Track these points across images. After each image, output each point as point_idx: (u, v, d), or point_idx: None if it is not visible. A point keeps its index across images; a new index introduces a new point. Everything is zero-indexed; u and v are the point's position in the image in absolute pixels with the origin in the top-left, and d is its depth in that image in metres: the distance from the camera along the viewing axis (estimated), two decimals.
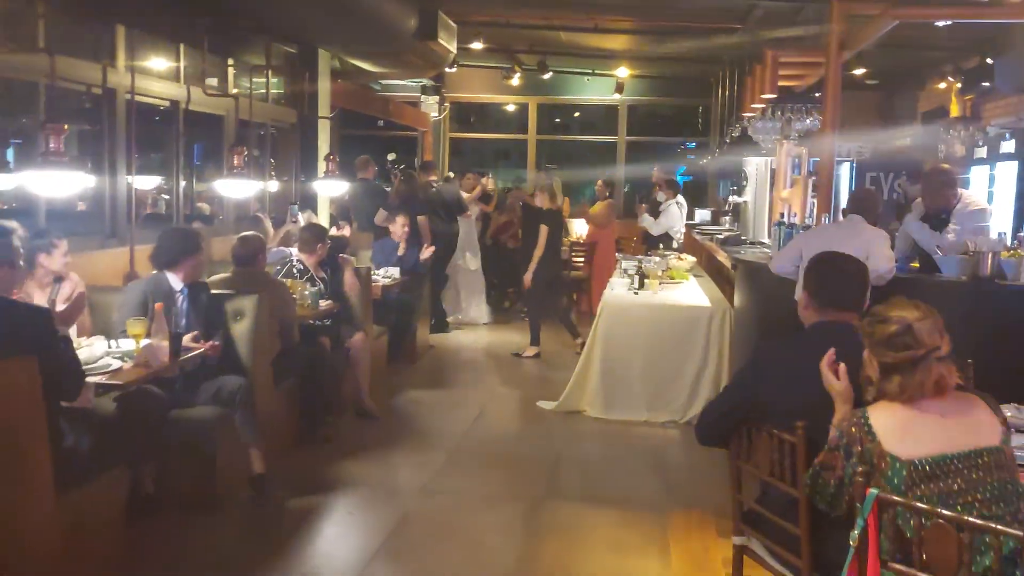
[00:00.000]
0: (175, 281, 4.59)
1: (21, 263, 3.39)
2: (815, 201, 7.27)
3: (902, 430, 2.43)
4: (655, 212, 10.50)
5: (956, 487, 2.35)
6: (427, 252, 8.32)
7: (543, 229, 8.36)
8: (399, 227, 8.11)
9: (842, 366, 2.76)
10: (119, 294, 4.87)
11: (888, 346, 2.46)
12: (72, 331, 4.38)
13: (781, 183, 8.99)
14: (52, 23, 5.20)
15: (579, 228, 12.11)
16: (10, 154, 6.56)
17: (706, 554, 4.26)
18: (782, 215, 7.94)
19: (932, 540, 2.30)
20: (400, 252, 8.03)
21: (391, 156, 10.32)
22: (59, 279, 4.60)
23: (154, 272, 4.64)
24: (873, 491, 2.36)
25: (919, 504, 2.32)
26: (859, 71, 10.30)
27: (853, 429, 2.49)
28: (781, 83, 7.76)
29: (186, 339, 4.31)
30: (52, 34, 5.20)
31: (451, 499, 4.87)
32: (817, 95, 9.13)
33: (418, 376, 7.72)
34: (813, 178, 7.75)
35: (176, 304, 4.54)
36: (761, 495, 3.17)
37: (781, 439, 2.91)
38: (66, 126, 4.08)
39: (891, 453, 2.39)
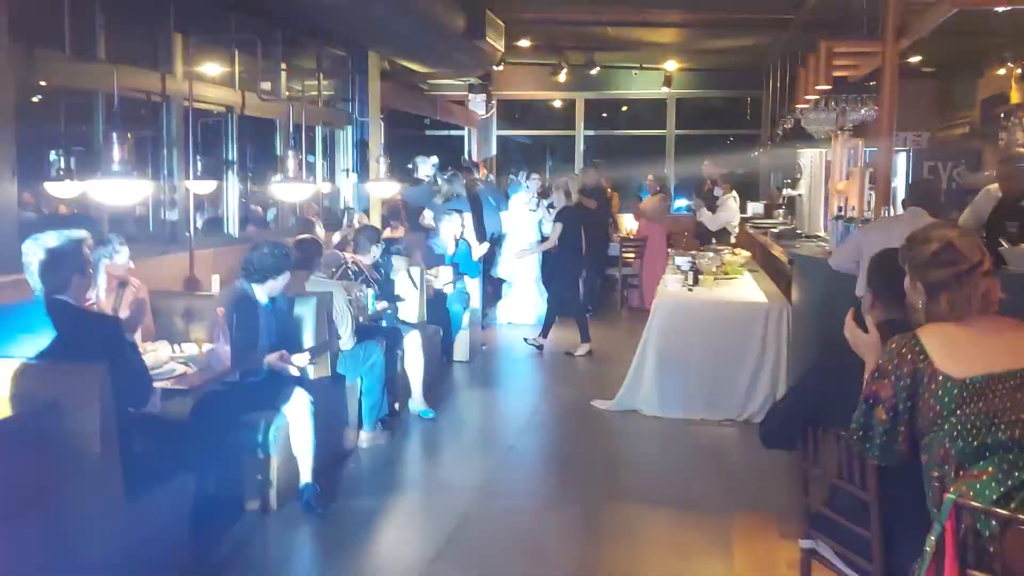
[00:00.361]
0: (261, 295, 4.62)
1: (90, 271, 3.45)
2: (873, 193, 7.12)
3: (954, 349, 2.39)
4: (711, 206, 10.37)
5: (1001, 406, 2.31)
6: (480, 249, 8.35)
7: (556, 227, 8.49)
8: (449, 226, 8.14)
9: (869, 318, 2.76)
10: (181, 299, 4.96)
11: (933, 264, 2.45)
12: (136, 336, 4.46)
13: (837, 175, 8.83)
14: (112, 33, 5.31)
15: (629, 223, 12.03)
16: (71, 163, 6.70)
17: (770, 557, 4.20)
18: (840, 208, 7.80)
19: (1013, 546, 2.24)
20: (450, 251, 8.06)
21: (434, 159, 10.38)
22: (122, 284, 4.69)
23: (238, 281, 4.67)
24: (951, 496, 2.30)
25: (999, 511, 2.26)
26: (915, 59, 10.08)
27: (904, 351, 2.42)
28: (835, 73, 7.60)
29: (273, 357, 4.35)
30: (112, 44, 5.30)
31: (510, 500, 4.88)
32: (871, 84, 8.97)
33: (472, 375, 7.74)
34: (870, 169, 7.58)
35: (258, 317, 4.54)
36: (829, 498, 3.11)
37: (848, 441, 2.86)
38: (129, 134, 4.16)
39: (943, 372, 2.35)
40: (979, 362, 2.36)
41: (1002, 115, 9.98)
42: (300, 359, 4.61)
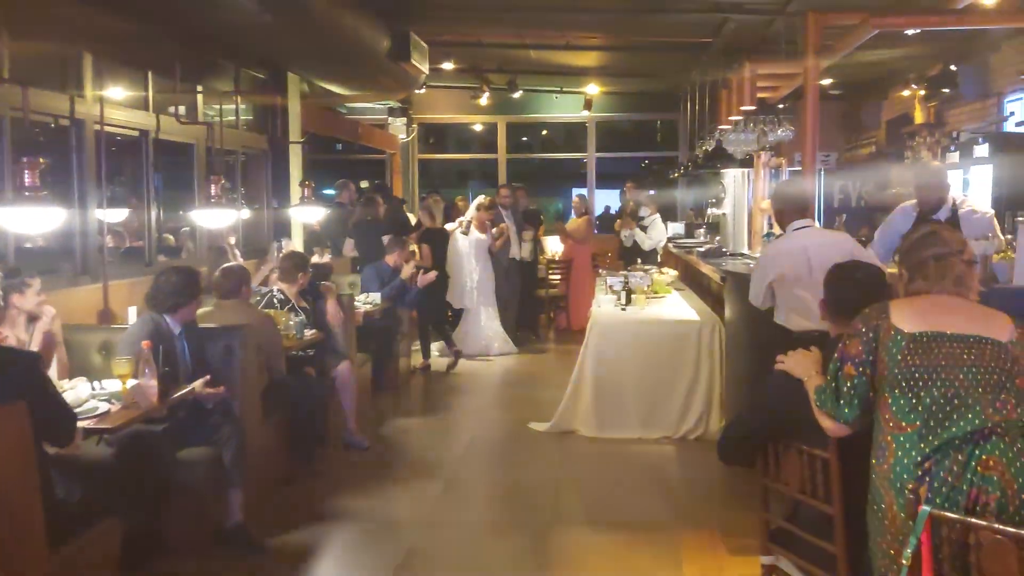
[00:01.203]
0: (173, 324, 4.41)
1: (1, 303, 3.19)
2: None
3: (914, 312, 2.54)
4: (639, 227, 10.42)
5: (943, 362, 2.42)
6: (428, 277, 8.22)
7: (424, 248, 9.00)
8: (406, 255, 7.99)
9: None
10: (97, 333, 4.68)
11: (915, 248, 2.64)
12: (52, 372, 4.18)
13: (760, 194, 9.01)
14: (16, 53, 5.01)
15: (553, 245, 12.04)
16: None
17: (721, 573, 4.17)
18: (770, 225, 7.94)
19: (990, 557, 2.22)
20: (417, 282, 7.96)
21: (364, 183, 10.25)
22: (32, 319, 4.39)
23: (148, 313, 4.43)
24: (925, 508, 2.29)
25: (975, 520, 2.25)
26: (825, 81, 10.40)
27: (871, 312, 2.58)
28: (758, 95, 7.77)
29: (198, 384, 4.15)
30: (17, 64, 5.00)
31: (455, 531, 4.72)
32: (782, 106, 9.20)
33: (404, 403, 7.58)
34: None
35: (175, 348, 4.34)
36: (791, 513, 3.08)
37: (812, 455, 2.84)
38: (41, 160, 3.91)
39: (896, 327, 2.50)
40: (933, 322, 2.49)
41: (906, 135, 10.37)
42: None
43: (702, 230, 11.06)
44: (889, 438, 2.44)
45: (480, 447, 6.34)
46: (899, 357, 2.46)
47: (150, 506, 3.94)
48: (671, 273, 8.57)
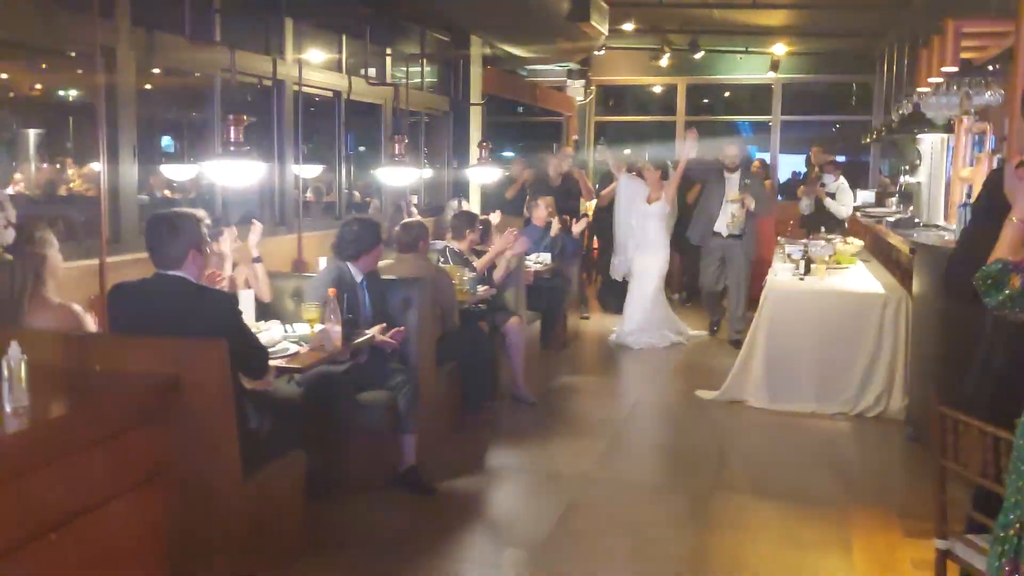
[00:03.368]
0: (356, 272, 4.68)
1: (208, 250, 3.50)
2: None
3: None
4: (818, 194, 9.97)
5: None
6: (580, 225, 8.34)
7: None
8: (543, 211, 8.07)
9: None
10: (291, 280, 5.02)
11: None
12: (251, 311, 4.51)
13: (960, 162, 8.38)
14: (227, 18, 5.41)
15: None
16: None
17: (892, 555, 4.01)
18: (968, 196, 7.40)
19: None
20: (553, 233, 8.00)
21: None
22: (234, 264, 4.77)
23: (336, 263, 4.72)
24: None
25: None
26: None
27: None
28: (962, 55, 7.19)
29: (375, 330, 4.39)
30: (226, 29, 5.40)
31: (615, 488, 4.78)
32: (990, 67, 8.45)
33: (570, 362, 7.67)
34: (999, 155, 7.16)
35: (357, 295, 4.61)
36: (976, 496, 2.92)
37: (996, 436, 2.67)
38: (245, 117, 4.22)
39: None
40: None
41: None
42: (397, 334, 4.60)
43: (894, 199, 10.43)
44: None
45: (645, 410, 6.35)
46: None
47: (332, 443, 4.23)
48: (857, 243, 8.16)
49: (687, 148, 8.14)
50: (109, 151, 4.36)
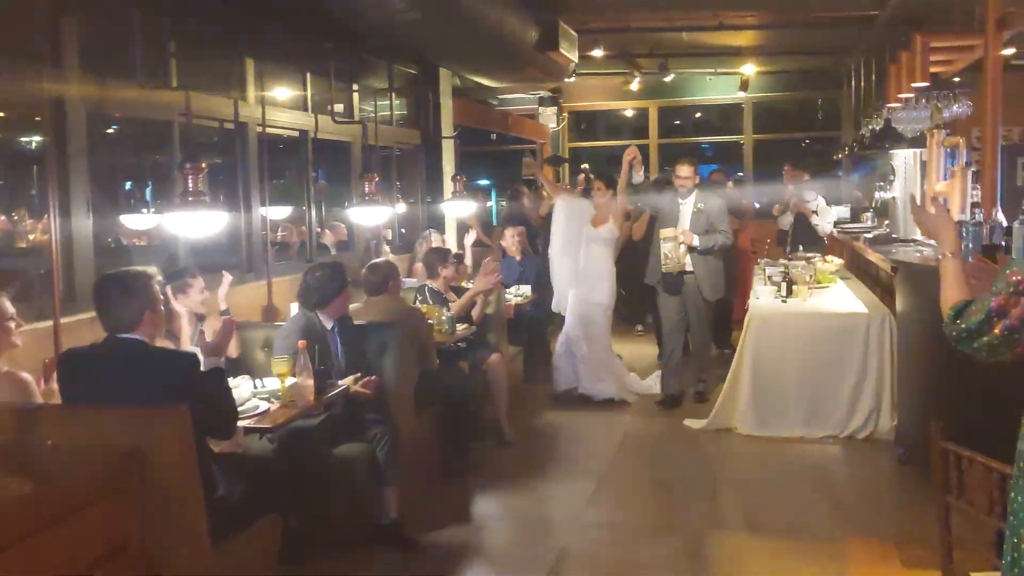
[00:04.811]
0: (326, 319, 4.50)
1: (161, 308, 3.31)
2: (977, 193, 6.67)
3: None
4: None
5: None
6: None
7: None
8: (509, 239, 7.96)
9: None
10: (261, 330, 4.85)
11: None
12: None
13: (934, 176, 8.36)
14: (184, 60, 5.25)
15: None
16: (147, 193, 6.71)
17: None
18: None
19: None
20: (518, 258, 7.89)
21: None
22: (201, 317, 4.59)
23: (303, 311, 4.54)
24: None
25: None
26: (1008, 51, 9.54)
27: None
28: (930, 69, 7.20)
29: (348, 380, 4.23)
30: (183, 70, 5.24)
31: (608, 532, 4.62)
32: (957, 80, 8.47)
33: (556, 396, 7.49)
34: (972, 169, 7.13)
35: (328, 344, 4.44)
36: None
37: (1003, 473, 2.54)
38: (203, 164, 4.06)
39: None
40: None
41: None
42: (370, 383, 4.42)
43: (869, 214, 10.40)
44: None
45: (633, 444, 6.18)
46: None
47: (309, 502, 4.04)
48: (836, 261, 8.09)
49: (626, 164, 7.04)
50: (61, 206, 4.17)
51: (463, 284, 6.57)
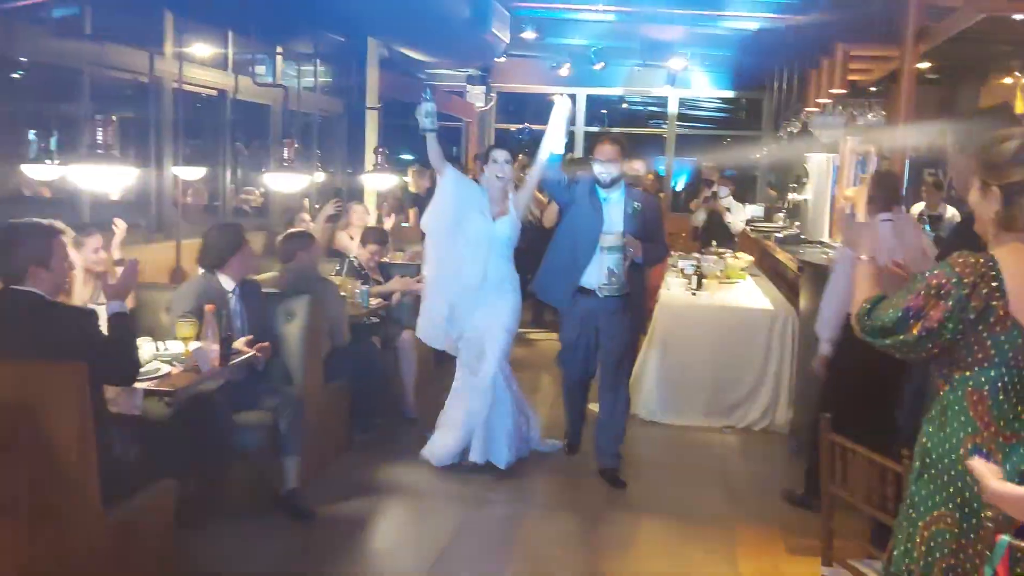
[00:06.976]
0: (226, 281, 4.40)
1: (61, 264, 3.19)
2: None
3: None
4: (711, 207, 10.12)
5: None
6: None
7: None
8: (412, 220, 7.95)
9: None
10: (167, 292, 4.72)
11: (1013, 163, 2.13)
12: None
13: (845, 181, 8.67)
14: (98, 9, 5.06)
15: None
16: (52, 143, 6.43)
17: (776, 571, 4.06)
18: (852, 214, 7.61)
19: None
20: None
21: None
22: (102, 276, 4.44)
23: (202, 272, 4.45)
24: (1004, 538, 2.11)
25: None
26: (923, 65, 9.90)
27: (980, 282, 2.09)
28: (848, 77, 7.44)
29: (240, 342, 4.14)
30: (98, 20, 5.05)
31: (506, 508, 4.68)
32: (874, 89, 8.77)
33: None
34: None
35: (228, 306, 4.35)
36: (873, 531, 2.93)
37: (884, 467, 2.68)
38: (114, 117, 3.93)
39: (1016, 319, 2.07)
40: None
41: (1004, 125, 9.75)
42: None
43: (782, 214, 10.72)
44: (992, 444, 2.11)
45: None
46: (1010, 357, 2.09)
47: (207, 467, 3.98)
48: (747, 258, 8.32)
49: (557, 117, 5.03)
50: None
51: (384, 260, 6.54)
